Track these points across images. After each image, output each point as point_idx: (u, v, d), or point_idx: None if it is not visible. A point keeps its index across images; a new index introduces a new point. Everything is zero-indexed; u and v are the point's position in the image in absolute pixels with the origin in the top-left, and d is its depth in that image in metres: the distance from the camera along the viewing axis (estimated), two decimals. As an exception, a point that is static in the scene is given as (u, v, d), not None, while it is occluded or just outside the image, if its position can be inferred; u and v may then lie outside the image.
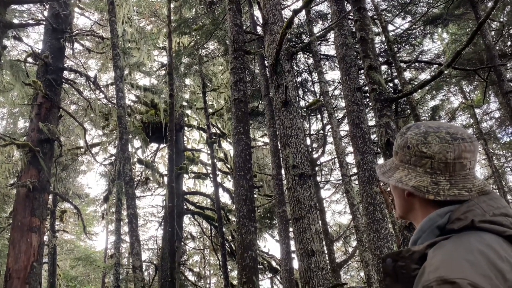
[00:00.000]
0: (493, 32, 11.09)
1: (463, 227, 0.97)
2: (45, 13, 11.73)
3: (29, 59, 11.56)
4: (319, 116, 12.51)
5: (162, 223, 14.61)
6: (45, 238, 11.51)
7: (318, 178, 12.17)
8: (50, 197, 12.31)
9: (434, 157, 1.06)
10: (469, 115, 15.13)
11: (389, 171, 1.17)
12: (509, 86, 8.08)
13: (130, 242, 6.61)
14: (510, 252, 0.91)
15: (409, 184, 1.08)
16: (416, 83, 10.72)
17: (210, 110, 14.61)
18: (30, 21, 11.88)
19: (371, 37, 4.00)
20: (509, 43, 11.43)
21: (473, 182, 1.05)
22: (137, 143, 14.54)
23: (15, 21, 11.59)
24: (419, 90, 12.83)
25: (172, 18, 11.02)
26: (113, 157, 14.97)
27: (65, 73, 11.76)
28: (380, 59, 9.80)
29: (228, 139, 14.92)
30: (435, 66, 10.61)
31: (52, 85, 10.53)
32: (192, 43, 12.29)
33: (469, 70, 7.58)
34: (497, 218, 0.97)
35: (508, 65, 11.62)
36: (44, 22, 11.45)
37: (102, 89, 13.12)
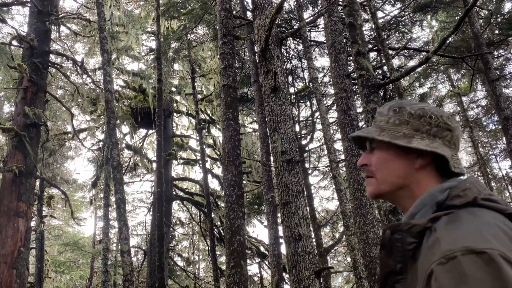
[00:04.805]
0: (481, 21, 11.14)
1: (465, 203, 0.95)
2: (30, -5, 11.45)
3: (14, 42, 11.31)
4: (308, 102, 12.54)
5: (151, 209, 14.61)
6: (33, 223, 11.44)
7: (307, 165, 12.25)
8: (37, 182, 12.19)
9: (454, 130, 1.06)
10: (456, 103, 15.32)
11: (403, 137, 1.07)
12: (495, 74, 8.17)
13: (118, 226, 6.62)
14: None
15: (440, 152, 1.03)
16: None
17: (199, 96, 14.53)
18: (14, 1, 11.59)
19: (360, 22, 4.00)
20: (496, 31, 11.51)
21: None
22: (125, 128, 14.45)
23: (-1, 2, 11.31)
24: (408, 78, 12.94)
25: (160, 1, 10.84)
26: (101, 143, 14.84)
27: (52, 56, 11.53)
28: (370, 46, 9.82)
29: (217, 125, 14.89)
30: (423, 53, 10.66)
31: (38, 68, 10.35)
32: (181, 28, 12.13)
33: (457, 58, 7.65)
34: (494, 197, 0.96)
35: (495, 53, 11.72)
36: (29, 4, 11.19)
37: (90, 73, 12.94)
